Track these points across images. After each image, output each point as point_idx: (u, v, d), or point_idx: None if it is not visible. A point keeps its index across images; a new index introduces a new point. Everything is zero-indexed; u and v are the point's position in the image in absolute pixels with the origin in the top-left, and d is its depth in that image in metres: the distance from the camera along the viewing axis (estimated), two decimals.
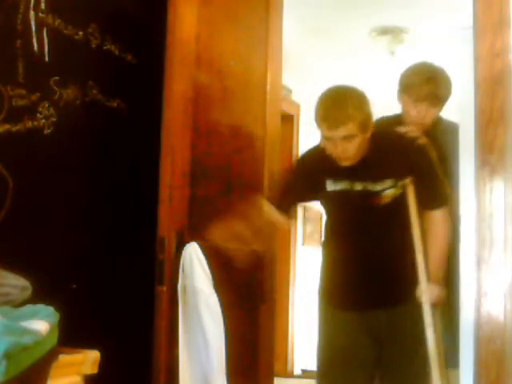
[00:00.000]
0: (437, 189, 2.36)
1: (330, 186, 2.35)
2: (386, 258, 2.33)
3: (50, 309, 1.36)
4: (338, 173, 2.34)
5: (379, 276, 2.33)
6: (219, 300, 1.89)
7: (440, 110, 2.56)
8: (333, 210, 2.48)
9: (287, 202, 2.52)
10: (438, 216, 2.35)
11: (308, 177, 2.43)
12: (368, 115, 2.21)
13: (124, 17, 2.15)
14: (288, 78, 4.21)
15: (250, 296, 2.70)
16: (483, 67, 2.27)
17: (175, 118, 2.27)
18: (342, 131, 2.14)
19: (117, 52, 2.10)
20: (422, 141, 2.40)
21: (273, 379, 2.92)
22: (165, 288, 2.15)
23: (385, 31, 4.42)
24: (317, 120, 2.20)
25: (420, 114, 2.50)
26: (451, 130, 2.52)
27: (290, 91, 5.27)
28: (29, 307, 1.37)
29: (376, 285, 2.33)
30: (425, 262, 2.29)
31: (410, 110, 2.53)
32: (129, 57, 2.15)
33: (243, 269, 2.64)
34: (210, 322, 1.86)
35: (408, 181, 2.32)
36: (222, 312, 1.87)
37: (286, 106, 4.90)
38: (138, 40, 2.20)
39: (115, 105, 2.09)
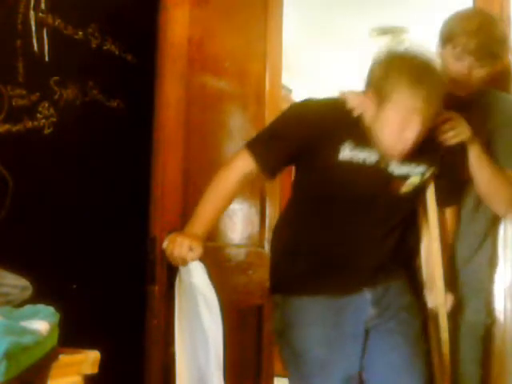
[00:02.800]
0: (458, 184, 2.05)
1: (345, 153, 1.82)
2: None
3: (50, 309, 1.36)
4: (361, 138, 1.83)
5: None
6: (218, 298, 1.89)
7: (488, 72, 2.02)
8: (328, 187, 1.89)
9: (278, 163, 1.95)
10: (449, 215, 2.07)
11: (314, 134, 1.86)
12: None
13: (124, 17, 2.14)
14: (288, 78, 4.21)
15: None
16: None
17: (167, 118, 2.27)
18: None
19: (117, 52, 2.10)
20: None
21: (273, 379, 2.92)
22: (156, 287, 2.16)
23: (385, 31, 4.43)
24: None
25: (463, 71, 1.99)
26: None
27: (290, 91, 5.27)
28: (29, 307, 1.37)
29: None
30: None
31: (451, 64, 2.01)
32: (129, 57, 2.15)
33: (243, 268, 2.64)
34: (207, 318, 1.85)
35: (431, 171, 1.93)
36: (221, 310, 1.87)
37: (286, 106, 4.88)
38: (138, 40, 2.20)
39: (115, 105, 2.09)
